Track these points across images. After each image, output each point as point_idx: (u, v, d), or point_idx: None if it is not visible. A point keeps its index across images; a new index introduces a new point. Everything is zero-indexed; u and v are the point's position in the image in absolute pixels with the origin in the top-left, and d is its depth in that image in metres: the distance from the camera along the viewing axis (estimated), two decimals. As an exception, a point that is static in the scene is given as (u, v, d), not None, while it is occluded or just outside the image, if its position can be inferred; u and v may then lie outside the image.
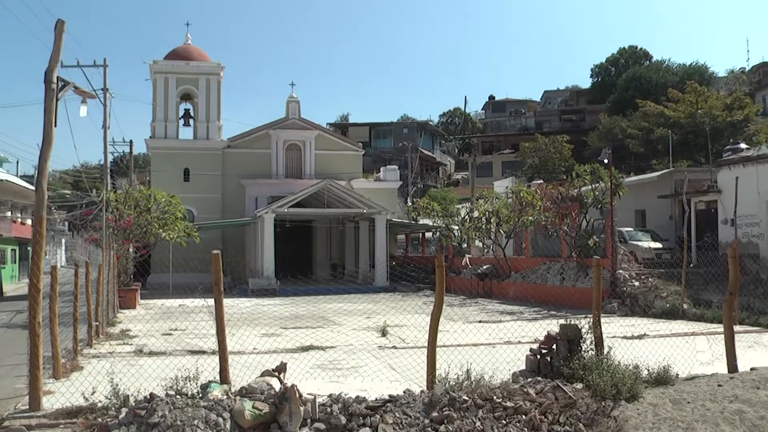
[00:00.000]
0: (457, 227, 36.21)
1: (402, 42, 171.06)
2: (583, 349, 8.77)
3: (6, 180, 39.14)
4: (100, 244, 21.96)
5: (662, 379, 8.56)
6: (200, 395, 7.33)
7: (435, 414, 7.11)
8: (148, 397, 7.06)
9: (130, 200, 27.26)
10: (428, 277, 31.98)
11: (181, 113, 41.78)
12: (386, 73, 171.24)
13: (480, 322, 19.15)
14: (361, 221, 37.66)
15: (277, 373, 7.84)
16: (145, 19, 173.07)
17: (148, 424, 6.51)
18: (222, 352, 8.05)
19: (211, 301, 8.10)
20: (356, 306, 24.65)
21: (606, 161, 24.85)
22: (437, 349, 8.39)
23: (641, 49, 75.90)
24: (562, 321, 9.11)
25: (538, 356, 8.95)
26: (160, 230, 27.35)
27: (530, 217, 28.43)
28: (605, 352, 8.75)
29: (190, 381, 7.67)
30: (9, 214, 44.25)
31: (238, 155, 41.41)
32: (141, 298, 26.79)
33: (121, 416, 6.98)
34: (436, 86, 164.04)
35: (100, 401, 7.79)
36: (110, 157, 30.57)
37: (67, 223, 64.50)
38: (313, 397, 7.16)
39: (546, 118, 77.93)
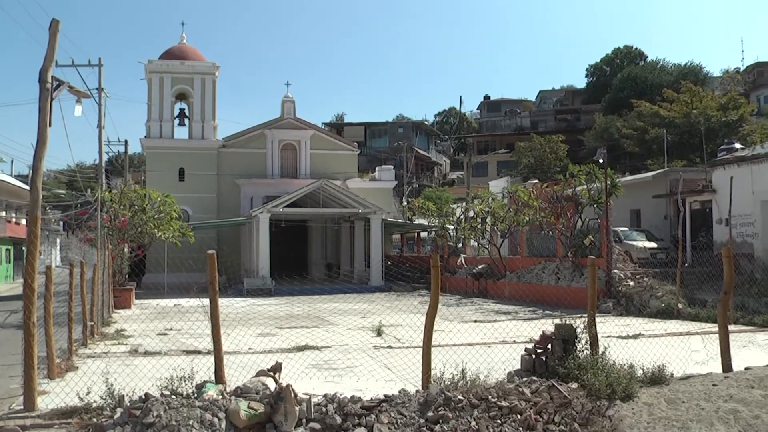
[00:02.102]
0: (452, 227, 36.24)
1: (397, 42, 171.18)
2: (578, 348, 8.79)
3: (0, 179, 39.03)
4: (95, 243, 21.89)
5: (657, 378, 8.58)
6: (195, 395, 7.32)
7: (430, 414, 7.11)
8: (144, 397, 7.06)
9: (125, 200, 27.15)
10: (423, 277, 31.99)
11: (176, 113, 41.75)
12: (381, 72, 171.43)
13: (475, 321, 19.15)
14: (357, 221, 37.66)
15: (272, 373, 7.84)
16: (140, 18, 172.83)
17: (144, 424, 6.50)
18: (217, 352, 8.03)
19: (206, 301, 8.10)
20: (351, 306, 24.65)
21: (601, 161, 24.91)
22: (432, 348, 8.40)
23: (636, 49, 76.04)
24: (557, 321, 9.11)
25: (534, 356, 8.96)
26: (155, 230, 27.25)
27: (526, 217, 28.47)
28: (600, 351, 8.77)
29: (185, 381, 7.67)
30: (3, 213, 44.15)
31: (234, 155, 41.36)
32: (136, 298, 26.74)
33: (116, 416, 6.97)
34: (432, 86, 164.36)
35: (95, 401, 7.77)
36: (105, 157, 30.41)
37: (61, 223, 64.35)
38: (308, 396, 7.16)
39: (541, 117, 77.99)
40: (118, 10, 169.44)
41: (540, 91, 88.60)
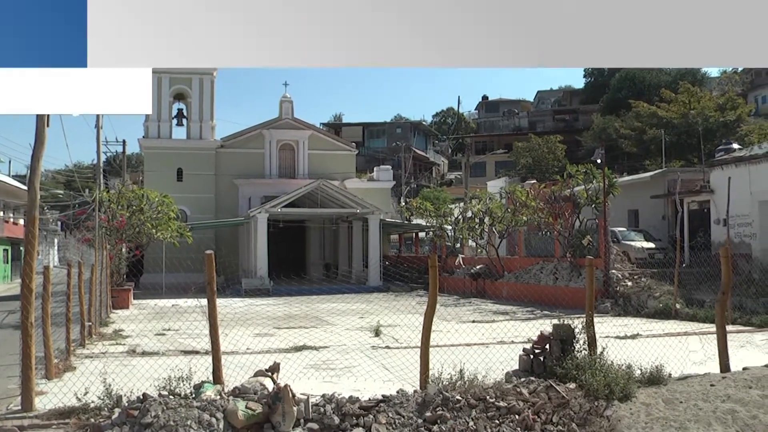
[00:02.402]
0: (450, 227, 36.25)
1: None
2: (576, 348, 8.78)
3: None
4: (93, 244, 21.87)
5: (655, 378, 8.58)
6: (193, 395, 7.32)
7: (428, 414, 7.11)
8: (141, 397, 7.05)
9: (123, 200, 27.14)
10: (421, 277, 31.98)
11: (175, 113, 41.67)
12: (380, 72, 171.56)
13: (473, 321, 19.15)
14: (355, 221, 37.66)
15: (270, 373, 7.83)
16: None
17: (141, 425, 6.49)
18: (215, 352, 8.03)
19: (204, 301, 8.09)
20: (349, 306, 24.64)
21: (599, 161, 24.94)
22: (430, 349, 8.40)
23: (634, 49, 75.93)
24: (555, 321, 9.11)
25: (531, 356, 8.96)
26: (153, 230, 27.24)
27: (524, 217, 28.48)
28: (598, 351, 8.76)
29: (183, 381, 7.66)
30: (1, 214, 44.09)
31: (232, 155, 41.32)
32: (134, 298, 26.69)
33: (113, 416, 6.96)
34: (430, 86, 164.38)
35: (92, 401, 7.76)
36: (103, 157, 30.41)
37: (59, 223, 64.30)
38: (306, 397, 7.16)
39: (539, 118, 78.03)
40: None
41: (538, 92, 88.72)
